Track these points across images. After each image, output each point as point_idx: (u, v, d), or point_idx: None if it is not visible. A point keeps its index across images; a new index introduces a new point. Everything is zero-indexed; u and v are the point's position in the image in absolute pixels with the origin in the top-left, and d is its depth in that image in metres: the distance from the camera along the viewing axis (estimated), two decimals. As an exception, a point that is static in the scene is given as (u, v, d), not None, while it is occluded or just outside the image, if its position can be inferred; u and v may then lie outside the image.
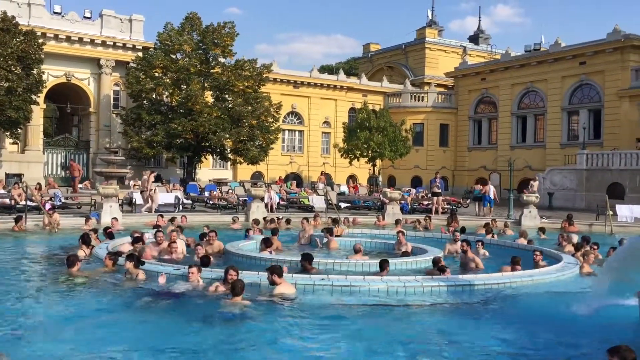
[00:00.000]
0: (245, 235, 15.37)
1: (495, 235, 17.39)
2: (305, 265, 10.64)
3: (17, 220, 16.92)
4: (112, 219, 17.71)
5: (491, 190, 28.13)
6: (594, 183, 33.17)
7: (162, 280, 9.56)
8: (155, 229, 13.85)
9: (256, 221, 18.59)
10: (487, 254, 13.94)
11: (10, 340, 6.73)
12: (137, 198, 24.14)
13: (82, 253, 11.79)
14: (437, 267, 10.99)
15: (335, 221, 19.44)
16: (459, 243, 13.55)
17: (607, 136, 37.16)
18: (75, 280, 9.94)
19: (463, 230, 17.23)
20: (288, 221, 19.90)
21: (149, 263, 10.61)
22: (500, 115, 44.04)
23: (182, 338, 7.15)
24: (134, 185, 29.60)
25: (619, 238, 16.14)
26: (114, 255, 10.96)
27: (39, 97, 30.91)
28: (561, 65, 39.58)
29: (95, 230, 14.02)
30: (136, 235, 12.91)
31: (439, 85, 49.70)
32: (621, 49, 36.35)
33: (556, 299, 9.86)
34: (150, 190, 23.19)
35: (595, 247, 13.74)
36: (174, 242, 12.40)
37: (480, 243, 14.21)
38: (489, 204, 27.50)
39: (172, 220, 19.04)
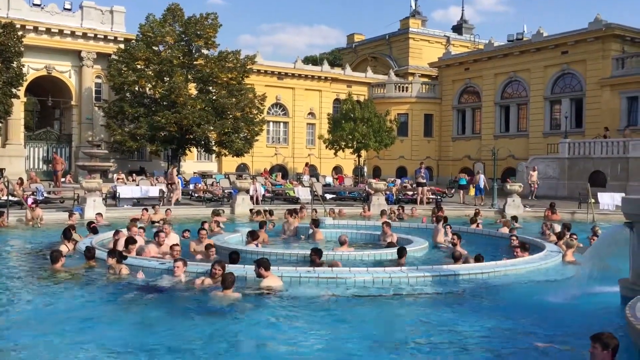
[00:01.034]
0: (199, 228, 14.24)
1: (481, 225, 17.51)
2: (315, 259, 10.71)
3: (-1, 215, 16.74)
4: (97, 214, 17.56)
5: (481, 179, 28.54)
6: (576, 171, 33.51)
7: (140, 275, 9.57)
8: (155, 229, 13.27)
9: (216, 212, 18.17)
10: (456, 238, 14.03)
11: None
12: (121, 192, 24.00)
13: (64, 248, 11.68)
14: (474, 257, 11.30)
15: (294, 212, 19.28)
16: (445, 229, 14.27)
17: (589, 125, 37.51)
18: (59, 276, 9.87)
19: (445, 220, 17.53)
20: (271, 213, 19.89)
21: (132, 258, 10.55)
22: (484, 105, 44.27)
23: (171, 332, 7.14)
24: (118, 178, 29.42)
25: (592, 226, 16.29)
26: (88, 251, 10.88)
27: (19, 90, 30.52)
28: (543, 54, 39.83)
29: (73, 227, 13.72)
30: (131, 235, 12.24)
31: (422, 76, 49.81)
32: (602, 38, 36.63)
33: (539, 287, 9.97)
34: (174, 183, 24.07)
35: (575, 236, 13.90)
36: (177, 244, 11.61)
37: (448, 227, 14.91)
38: (479, 193, 28.03)
39: (153, 206, 19.13)
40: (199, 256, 11.59)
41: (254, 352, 6.59)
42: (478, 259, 11.13)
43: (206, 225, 15.00)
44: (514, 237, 13.60)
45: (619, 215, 21.36)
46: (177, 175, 25.23)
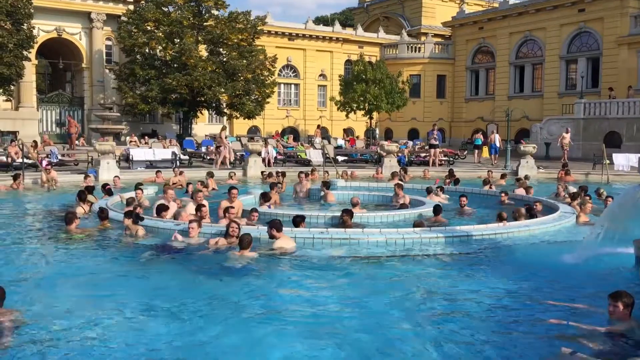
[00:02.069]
0: (230, 187, 14.48)
1: (494, 186, 17.45)
2: (346, 219, 10.77)
3: (16, 177, 16.91)
4: (115, 177, 17.68)
5: (497, 139, 28.51)
6: (591, 132, 33.15)
7: (176, 237, 9.48)
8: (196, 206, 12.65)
9: (210, 174, 17.78)
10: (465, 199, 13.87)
11: (13, 297, 6.78)
12: (134, 154, 24.10)
13: (80, 210, 11.81)
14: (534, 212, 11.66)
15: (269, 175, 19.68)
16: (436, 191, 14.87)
17: (605, 85, 36.87)
18: (74, 237, 9.99)
19: (457, 182, 17.65)
20: (283, 174, 19.89)
21: (148, 219, 10.63)
22: (498, 65, 43.62)
23: (187, 291, 7.21)
24: (130, 141, 29.52)
25: (596, 188, 16.13)
26: (101, 212, 10.94)
27: (30, 52, 30.47)
28: (560, 12, 38.98)
29: (90, 189, 13.80)
30: (162, 202, 11.70)
31: (436, 36, 49.00)
32: (621, -5, 35.76)
33: (553, 248, 9.95)
34: (224, 146, 24.35)
35: (589, 197, 13.83)
36: (232, 207, 11.12)
37: (439, 189, 15.28)
38: (494, 152, 28.16)
39: (173, 169, 19.38)
40: (243, 221, 10.95)
41: (269, 310, 6.66)
42: (532, 214, 11.49)
43: (201, 187, 14.85)
44: (504, 194, 14.25)
45: (634, 176, 21.19)
46: (226, 138, 25.22)
